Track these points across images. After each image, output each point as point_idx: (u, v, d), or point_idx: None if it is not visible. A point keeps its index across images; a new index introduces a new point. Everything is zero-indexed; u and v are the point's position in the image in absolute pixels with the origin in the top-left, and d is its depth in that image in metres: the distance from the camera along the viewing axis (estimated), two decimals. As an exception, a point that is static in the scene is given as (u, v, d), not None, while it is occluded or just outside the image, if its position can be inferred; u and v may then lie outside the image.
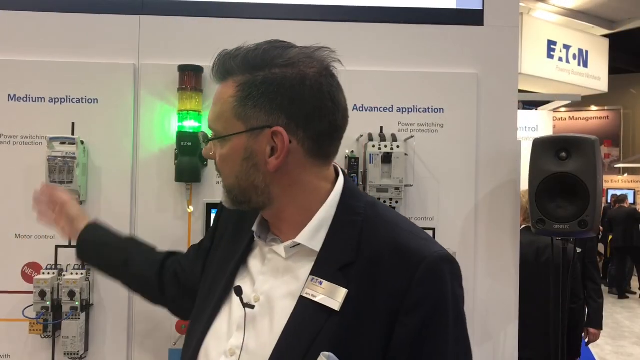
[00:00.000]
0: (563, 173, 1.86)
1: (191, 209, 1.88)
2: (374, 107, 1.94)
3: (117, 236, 1.57)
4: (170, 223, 1.89)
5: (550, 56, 8.84)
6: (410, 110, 1.94)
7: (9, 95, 1.87)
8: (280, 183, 1.08)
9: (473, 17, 1.94)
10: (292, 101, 1.04)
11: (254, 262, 1.17)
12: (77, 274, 1.82)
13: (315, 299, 1.03)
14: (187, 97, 1.84)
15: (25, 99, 1.88)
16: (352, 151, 1.89)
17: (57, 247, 1.87)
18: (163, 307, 1.51)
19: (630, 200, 10.83)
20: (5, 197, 1.87)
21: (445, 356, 1.01)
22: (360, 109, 1.93)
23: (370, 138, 1.89)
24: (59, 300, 1.80)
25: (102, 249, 1.54)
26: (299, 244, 1.08)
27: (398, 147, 1.85)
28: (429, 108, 1.93)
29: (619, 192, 10.64)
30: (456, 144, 1.93)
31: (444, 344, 1.01)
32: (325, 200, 1.10)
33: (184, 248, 1.87)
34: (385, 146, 1.85)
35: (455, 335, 1.02)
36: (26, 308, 1.79)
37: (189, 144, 1.82)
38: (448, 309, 1.01)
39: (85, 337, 1.84)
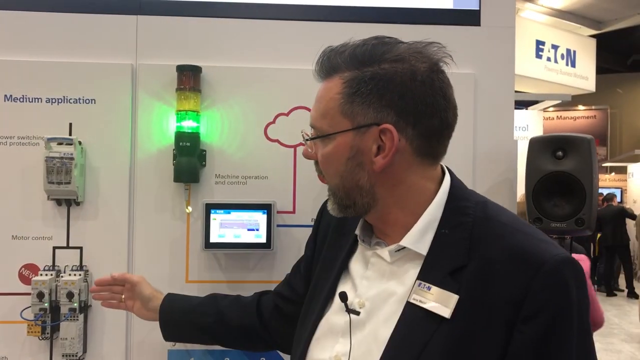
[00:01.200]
0: (559, 172, 1.88)
1: (190, 209, 1.88)
2: (372, 107, 1.94)
3: (197, 299, 1.54)
4: (168, 223, 1.89)
5: (538, 56, 8.92)
6: (407, 110, 1.94)
7: (6, 95, 1.86)
8: (386, 183, 1.05)
9: (470, 18, 1.96)
10: (402, 97, 1.00)
11: (356, 267, 1.14)
12: (75, 275, 1.82)
13: (424, 306, 0.98)
14: (185, 97, 1.83)
15: (22, 99, 1.87)
16: (350, 151, 1.90)
17: (54, 248, 1.86)
18: (274, 349, 1.50)
19: (618, 199, 10.94)
20: (2, 198, 1.85)
21: None
22: (358, 108, 1.93)
23: (368, 138, 1.89)
24: (57, 302, 1.79)
25: (188, 317, 1.48)
26: (404, 247, 1.05)
27: (396, 146, 1.86)
28: (426, 108, 1.94)
29: (606, 191, 10.74)
30: (453, 143, 1.89)
31: (567, 353, 0.94)
32: (431, 201, 1.05)
33: (182, 248, 1.89)
34: (384, 146, 1.86)
35: (579, 345, 0.95)
36: (24, 310, 1.78)
37: (188, 144, 1.82)
38: (572, 317, 0.94)
39: (83, 339, 1.83)
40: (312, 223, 1.88)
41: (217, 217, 1.80)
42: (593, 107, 13.25)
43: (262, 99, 1.91)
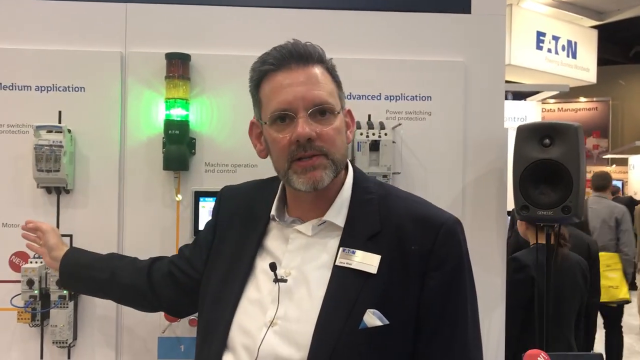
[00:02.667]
0: (546, 159, 1.87)
1: (179, 197, 1.88)
2: (362, 95, 1.94)
3: (98, 255, 1.62)
4: (158, 211, 1.89)
5: (539, 47, 8.85)
6: (398, 98, 1.94)
7: (-5, 83, 1.86)
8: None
9: (460, 5, 1.95)
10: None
11: (273, 244, 1.28)
12: (65, 262, 1.82)
13: (352, 266, 1.17)
14: (174, 85, 1.83)
15: (11, 88, 1.87)
16: (340, 139, 1.89)
17: (44, 236, 1.86)
18: (159, 310, 1.58)
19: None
20: (-9, 186, 1.86)
21: (466, 298, 1.20)
22: (348, 97, 1.92)
23: (359, 126, 1.89)
24: (47, 289, 1.80)
25: (85, 271, 1.57)
26: (325, 221, 1.23)
27: (386, 134, 1.86)
28: (416, 96, 1.94)
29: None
30: (443, 132, 1.94)
31: (464, 289, 1.21)
32: (343, 182, 1.27)
33: (172, 236, 1.89)
34: (373, 134, 1.86)
35: (470, 282, 1.23)
36: (14, 297, 1.79)
37: (177, 132, 1.82)
38: (464, 262, 1.21)
39: (74, 326, 1.84)
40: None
41: (206, 205, 1.81)
42: (594, 99, 13.19)
43: (252, 87, 1.90)
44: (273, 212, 1.29)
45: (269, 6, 1.92)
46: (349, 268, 1.17)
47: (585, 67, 9.54)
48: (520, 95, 8.25)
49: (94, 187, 1.89)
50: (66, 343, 1.81)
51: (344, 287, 1.17)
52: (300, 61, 1.22)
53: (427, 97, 1.94)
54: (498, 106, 1.96)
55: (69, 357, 1.87)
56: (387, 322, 1.14)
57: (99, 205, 1.88)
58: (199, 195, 1.81)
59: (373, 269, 1.16)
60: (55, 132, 1.81)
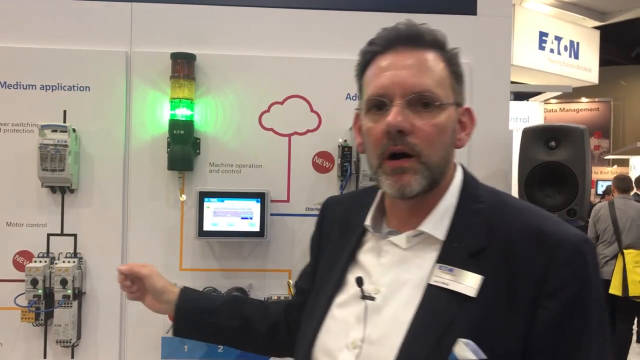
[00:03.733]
0: (552, 162, 1.87)
1: (184, 197, 1.88)
2: (367, 96, 1.93)
3: (216, 298, 1.47)
4: (162, 212, 1.89)
5: (541, 47, 8.84)
6: (403, 99, 1.94)
7: (0, 82, 1.86)
8: (452, 164, 1.11)
9: (466, 7, 1.94)
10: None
11: (366, 257, 1.14)
12: (69, 262, 1.82)
13: (447, 287, 1.00)
14: (179, 85, 1.83)
15: (16, 86, 1.87)
16: (345, 140, 1.89)
17: (48, 235, 1.87)
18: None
19: (620, 191, 10.87)
20: (-4, 185, 1.86)
21: (590, 338, 0.97)
22: (354, 98, 1.93)
23: (363, 127, 1.89)
24: (51, 289, 1.80)
25: (207, 317, 1.38)
26: (422, 232, 1.06)
27: (391, 136, 1.85)
28: (421, 97, 1.93)
29: (606, 184, 10.69)
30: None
31: (589, 325, 0.97)
32: (447, 188, 1.09)
33: (176, 236, 1.89)
34: (378, 135, 1.85)
35: (598, 317, 0.98)
36: (18, 296, 1.79)
37: (182, 132, 1.82)
38: (591, 290, 0.98)
39: (77, 325, 1.84)
40: (306, 212, 1.90)
41: (210, 206, 1.80)
42: (596, 100, 13.18)
43: (257, 88, 1.90)
44: (368, 222, 1.15)
45: (274, 6, 1.92)
46: (444, 288, 1.00)
47: (587, 68, 9.53)
48: (521, 95, 8.24)
49: (99, 187, 1.88)
50: (70, 342, 1.81)
51: (436, 310, 1.00)
52: (407, 43, 1.05)
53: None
54: (503, 108, 1.96)
55: (72, 357, 1.87)
56: (483, 356, 0.95)
57: (103, 204, 1.88)
58: (203, 195, 1.81)
59: (472, 292, 0.98)
60: (60, 131, 1.81)
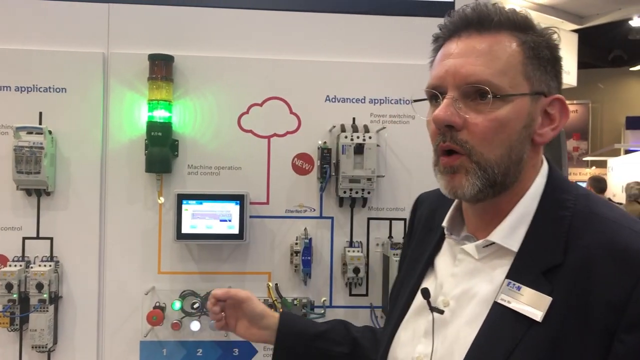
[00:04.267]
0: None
1: (162, 199, 1.87)
2: (347, 98, 1.94)
3: (322, 324, 1.36)
4: (140, 214, 1.87)
5: (521, 50, 8.91)
6: (382, 101, 1.94)
7: (-27, 83, 1.83)
8: (529, 162, 0.95)
9: (444, 10, 1.94)
10: (561, 71, 0.97)
11: (442, 263, 1.05)
12: (45, 265, 1.79)
13: (513, 307, 0.90)
14: (157, 87, 1.82)
15: (-10, 88, 1.84)
16: (325, 142, 1.89)
17: (24, 238, 1.84)
18: None
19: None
20: (-31, 188, 1.82)
21: None
22: (333, 99, 1.93)
23: (343, 129, 1.89)
24: (27, 293, 1.77)
25: (312, 343, 1.29)
26: (493, 242, 0.95)
27: (370, 138, 1.86)
28: (400, 99, 1.95)
29: (583, 185, 10.84)
30: (424, 135, 1.93)
31: None
32: (527, 190, 0.96)
33: (154, 239, 1.87)
34: (358, 137, 1.86)
35: None
36: (-8, 301, 1.76)
37: (159, 134, 1.81)
38: None
39: (54, 330, 1.81)
40: (286, 214, 1.90)
41: (188, 208, 1.79)
42: (575, 102, 13.34)
43: (236, 89, 1.90)
44: (445, 223, 1.05)
45: (253, 8, 1.91)
46: (509, 309, 0.90)
47: (565, 70, 9.55)
48: (502, 97, 8.32)
49: (75, 189, 1.86)
50: (46, 348, 1.78)
51: (499, 333, 0.90)
52: (472, 27, 0.93)
53: (411, 100, 1.94)
54: (481, 110, 1.97)
55: (48, 362, 1.85)
56: None
57: (80, 207, 1.86)
58: (181, 197, 1.79)
59: (538, 316, 0.87)
60: (36, 133, 1.78)
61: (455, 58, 0.92)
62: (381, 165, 1.92)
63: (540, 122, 0.94)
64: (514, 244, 0.93)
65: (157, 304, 1.84)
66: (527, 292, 0.89)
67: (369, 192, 1.88)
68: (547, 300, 0.87)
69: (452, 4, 1.95)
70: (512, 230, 0.94)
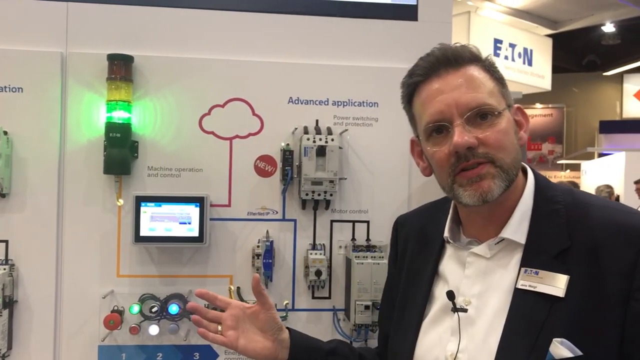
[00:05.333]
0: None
1: (121, 202, 1.84)
2: (310, 100, 1.93)
3: (329, 345, 1.42)
4: (99, 217, 1.84)
5: (496, 54, 9.04)
6: (345, 103, 1.94)
7: None
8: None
9: (407, 12, 1.96)
10: None
11: (449, 269, 1.17)
12: (-1, 269, 1.75)
13: (535, 289, 1.02)
14: (116, 87, 1.79)
15: (-57, 87, 1.79)
16: (288, 144, 1.88)
17: (-22, 241, 1.79)
18: None
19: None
20: None
21: None
22: (296, 101, 1.92)
23: (306, 131, 1.89)
24: (-20, 297, 1.73)
25: (323, 358, 1.37)
26: (503, 239, 1.10)
27: (332, 140, 1.85)
28: (363, 102, 1.94)
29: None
30: (390, 138, 1.95)
31: None
32: (522, 192, 1.13)
33: (113, 242, 1.84)
34: (320, 139, 1.85)
35: None
36: (-57, 305, 1.72)
37: (118, 135, 1.78)
38: None
39: (8, 335, 1.77)
40: (248, 217, 1.88)
41: (147, 210, 1.76)
42: (550, 106, 13.52)
43: (197, 90, 1.87)
44: (446, 233, 1.19)
45: (214, 8, 1.90)
46: (531, 291, 1.03)
47: (540, 75, 9.79)
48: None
49: (32, 191, 1.82)
50: (0, 353, 1.74)
51: (527, 314, 1.02)
52: (449, 65, 1.12)
53: (374, 103, 1.94)
54: (444, 113, 1.98)
55: (3, 368, 1.81)
56: (579, 352, 0.97)
57: (37, 209, 1.82)
58: (140, 200, 1.76)
59: (560, 292, 1.01)
60: (-10, 134, 1.74)
61: (448, 93, 1.09)
62: (344, 167, 1.92)
63: (517, 129, 1.14)
64: (522, 237, 1.08)
65: (115, 308, 1.81)
66: (545, 274, 1.03)
67: (331, 195, 1.87)
68: (564, 278, 1.01)
69: (415, 7, 1.96)
70: (518, 226, 1.09)
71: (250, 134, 1.90)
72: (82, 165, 1.83)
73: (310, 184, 1.85)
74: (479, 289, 1.10)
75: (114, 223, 1.84)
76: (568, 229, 1.05)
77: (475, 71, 1.11)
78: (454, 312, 1.09)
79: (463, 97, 1.08)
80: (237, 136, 1.89)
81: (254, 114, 1.90)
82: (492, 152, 1.07)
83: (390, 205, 1.94)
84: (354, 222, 1.94)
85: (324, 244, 1.92)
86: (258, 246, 1.86)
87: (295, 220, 1.91)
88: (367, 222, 1.94)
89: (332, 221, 1.92)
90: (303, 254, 1.91)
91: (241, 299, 1.86)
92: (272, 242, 1.86)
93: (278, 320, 1.32)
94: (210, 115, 1.88)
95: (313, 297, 1.93)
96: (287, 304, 1.90)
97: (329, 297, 1.93)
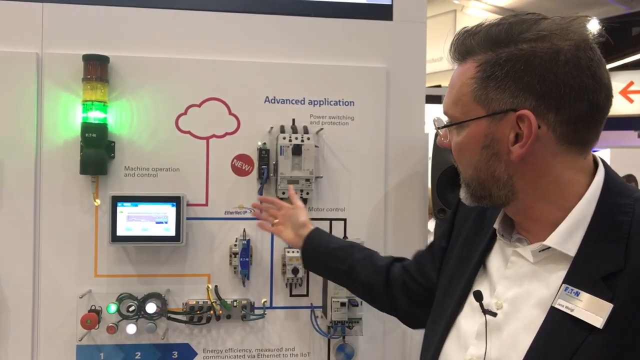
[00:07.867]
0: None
1: (98, 202, 1.84)
2: (286, 100, 1.94)
3: (338, 242, 1.61)
4: (76, 217, 1.85)
5: (482, 52, 9.05)
6: (321, 102, 1.95)
7: None
8: (526, 175, 0.95)
9: (382, 12, 1.98)
10: (542, 80, 0.90)
11: (494, 264, 1.06)
12: (-25, 270, 1.76)
13: (572, 313, 0.89)
14: (92, 88, 1.79)
15: None
16: (264, 143, 1.89)
17: (-46, 242, 1.79)
18: (394, 315, 1.48)
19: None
20: None
21: None
22: (272, 100, 1.94)
23: (282, 130, 1.90)
24: (-44, 298, 1.73)
25: (324, 258, 1.56)
26: (549, 247, 0.95)
27: (308, 139, 1.87)
28: (339, 101, 1.96)
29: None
30: (366, 136, 1.96)
31: None
32: (582, 195, 0.95)
33: (91, 242, 1.85)
34: (296, 138, 1.86)
35: None
36: None
37: (94, 135, 1.78)
38: None
39: (-15, 336, 1.78)
40: (225, 216, 1.89)
41: (124, 210, 1.77)
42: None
43: (173, 90, 1.88)
44: (496, 224, 1.07)
45: (190, 9, 1.90)
46: (568, 315, 0.89)
47: (527, 73, 9.83)
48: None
49: (9, 192, 1.82)
50: (-23, 354, 1.74)
51: (558, 339, 0.90)
52: (454, 59, 1.01)
53: (350, 102, 1.96)
54: (419, 112, 2.00)
55: (-20, 368, 1.81)
56: None
57: (13, 210, 1.82)
58: (116, 200, 1.77)
59: (599, 322, 0.86)
60: (-35, 135, 1.74)
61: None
62: (320, 166, 1.93)
63: (514, 139, 0.93)
64: (571, 249, 0.93)
65: (93, 307, 1.82)
66: (586, 297, 0.88)
67: (307, 193, 1.89)
68: (607, 306, 0.87)
69: (390, 6, 1.98)
70: (568, 235, 0.93)
71: (227, 134, 1.91)
72: (59, 166, 1.84)
73: (287, 182, 1.86)
74: (514, 294, 0.98)
75: (91, 223, 1.85)
76: (627, 247, 0.89)
77: (463, 70, 0.97)
78: (483, 314, 0.99)
79: (444, 100, 1.03)
80: (213, 135, 1.90)
81: (230, 113, 1.91)
82: (457, 164, 1.04)
83: (366, 202, 1.96)
84: (331, 219, 1.95)
85: (301, 242, 1.93)
86: (235, 245, 1.87)
87: (272, 219, 1.92)
88: (344, 219, 1.96)
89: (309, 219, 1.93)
90: (280, 252, 1.93)
91: (219, 298, 1.87)
92: (249, 241, 1.87)
93: (300, 219, 1.65)
94: (187, 115, 1.89)
95: (291, 295, 1.94)
96: (265, 302, 1.92)
97: (307, 295, 1.95)
